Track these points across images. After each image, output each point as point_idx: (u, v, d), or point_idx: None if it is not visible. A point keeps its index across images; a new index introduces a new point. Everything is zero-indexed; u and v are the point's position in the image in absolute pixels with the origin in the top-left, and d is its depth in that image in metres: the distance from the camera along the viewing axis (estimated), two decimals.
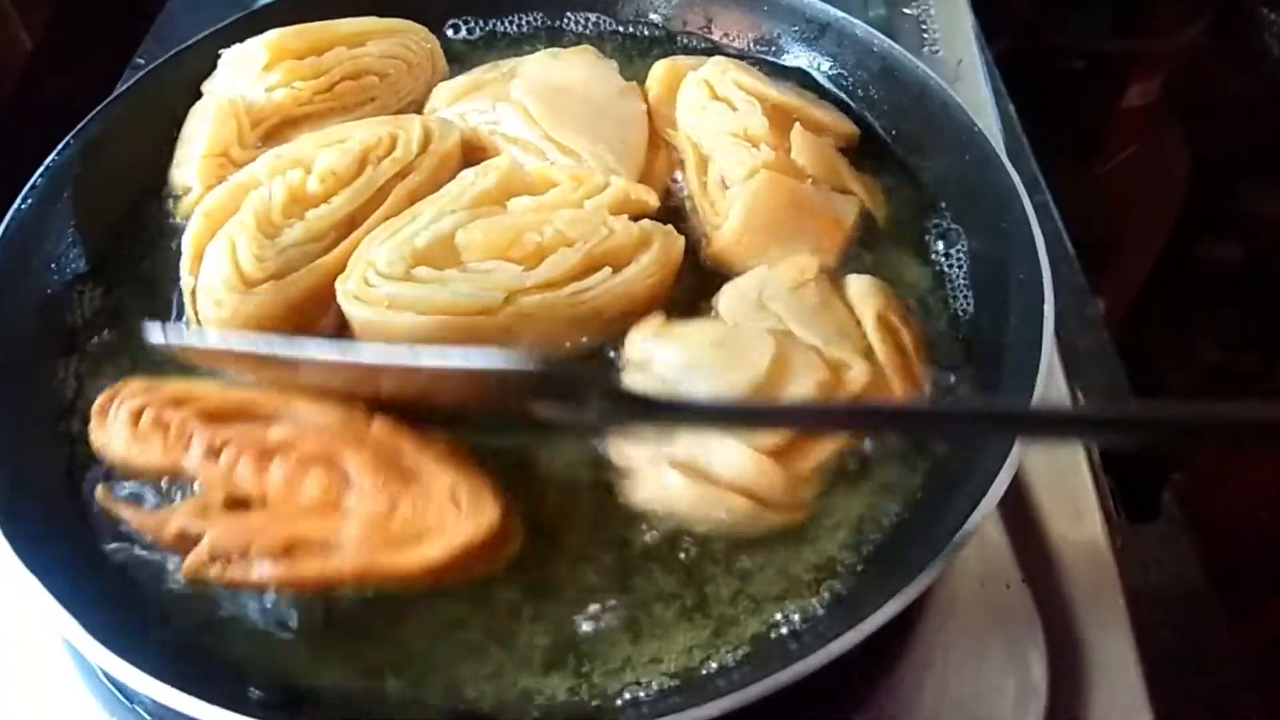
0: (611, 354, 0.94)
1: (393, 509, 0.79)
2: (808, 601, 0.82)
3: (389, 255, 0.93)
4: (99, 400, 0.88)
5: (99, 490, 0.86)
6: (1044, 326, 0.88)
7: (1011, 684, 0.94)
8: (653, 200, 1.01)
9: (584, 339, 0.96)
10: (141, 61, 1.44)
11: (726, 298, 0.95)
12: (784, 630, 0.80)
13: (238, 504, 0.81)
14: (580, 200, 0.98)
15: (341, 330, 0.95)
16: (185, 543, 0.80)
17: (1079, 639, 0.97)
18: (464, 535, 0.78)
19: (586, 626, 0.81)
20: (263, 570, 0.78)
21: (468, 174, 1.00)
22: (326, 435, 0.82)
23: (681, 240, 0.98)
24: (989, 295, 0.99)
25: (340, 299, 0.93)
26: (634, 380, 0.90)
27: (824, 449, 0.86)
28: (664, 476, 0.84)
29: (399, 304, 0.91)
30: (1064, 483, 1.06)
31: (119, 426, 0.85)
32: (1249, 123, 1.95)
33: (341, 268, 0.94)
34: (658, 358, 0.90)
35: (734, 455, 0.83)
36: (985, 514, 0.77)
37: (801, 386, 0.86)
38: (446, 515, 0.78)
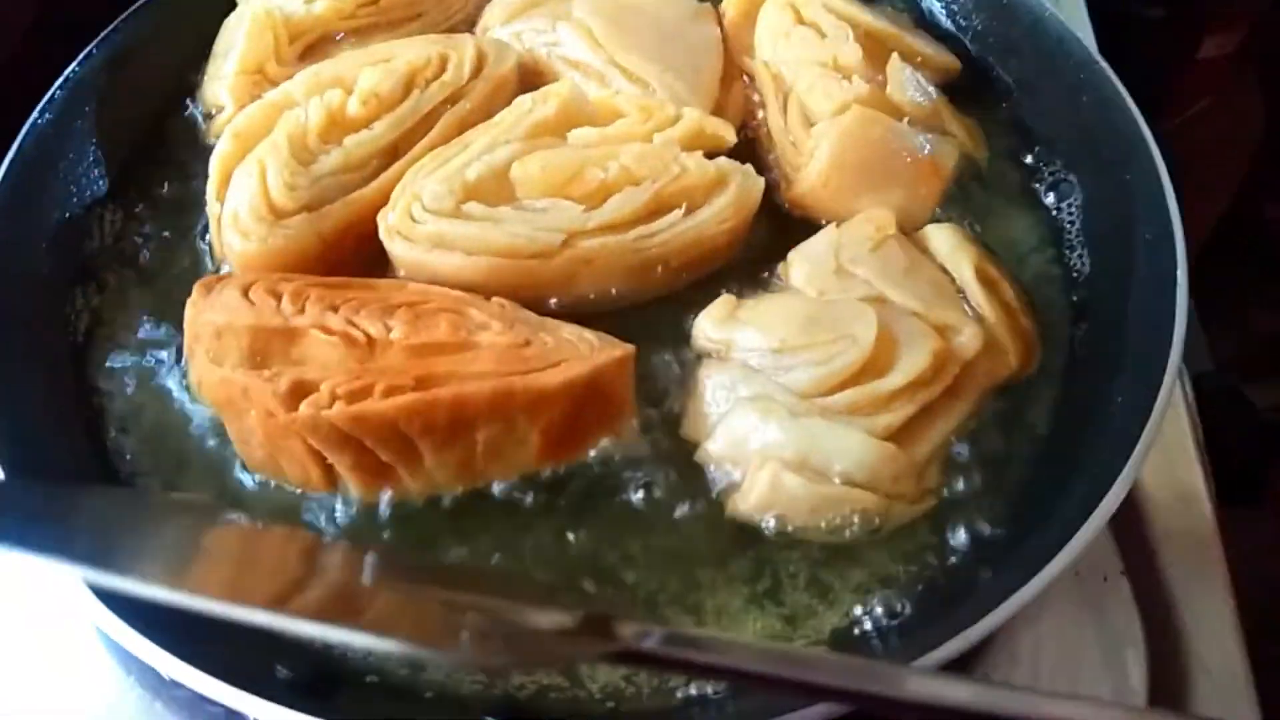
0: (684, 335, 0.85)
1: (527, 343, 0.76)
2: (894, 596, 0.73)
3: (436, 188, 0.84)
4: (204, 279, 0.81)
5: (201, 361, 0.77)
6: (1177, 295, 0.77)
7: (1107, 684, 0.86)
8: (730, 135, 0.91)
9: (649, 290, 0.86)
10: None
11: (799, 267, 0.86)
12: (867, 626, 0.71)
13: (355, 347, 0.75)
14: (649, 134, 0.88)
15: (379, 269, 0.86)
16: (300, 392, 0.73)
17: (1182, 635, 0.89)
18: (601, 358, 0.75)
19: (642, 605, 0.74)
20: (392, 402, 0.71)
21: (524, 100, 0.90)
22: (450, 297, 0.80)
23: (761, 181, 0.88)
24: (1109, 254, 0.88)
25: (382, 234, 0.84)
26: (715, 375, 0.81)
27: (942, 430, 0.78)
28: (778, 480, 0.75)
29: (446, 242, 0.82)
30: (1170, 465, 0.96)
31: (226, 295, 0.78)
32: None
33: (382, 202, 0.85)
34: (740, 343, 0.82)
35: (856, 446, 0.74)
36: (1104, 520, 0.68)
37: (915, 358, 0.77)
38: (580, 345, 0.76)
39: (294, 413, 0.72)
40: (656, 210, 0.84)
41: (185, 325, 0.80)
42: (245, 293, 0.79)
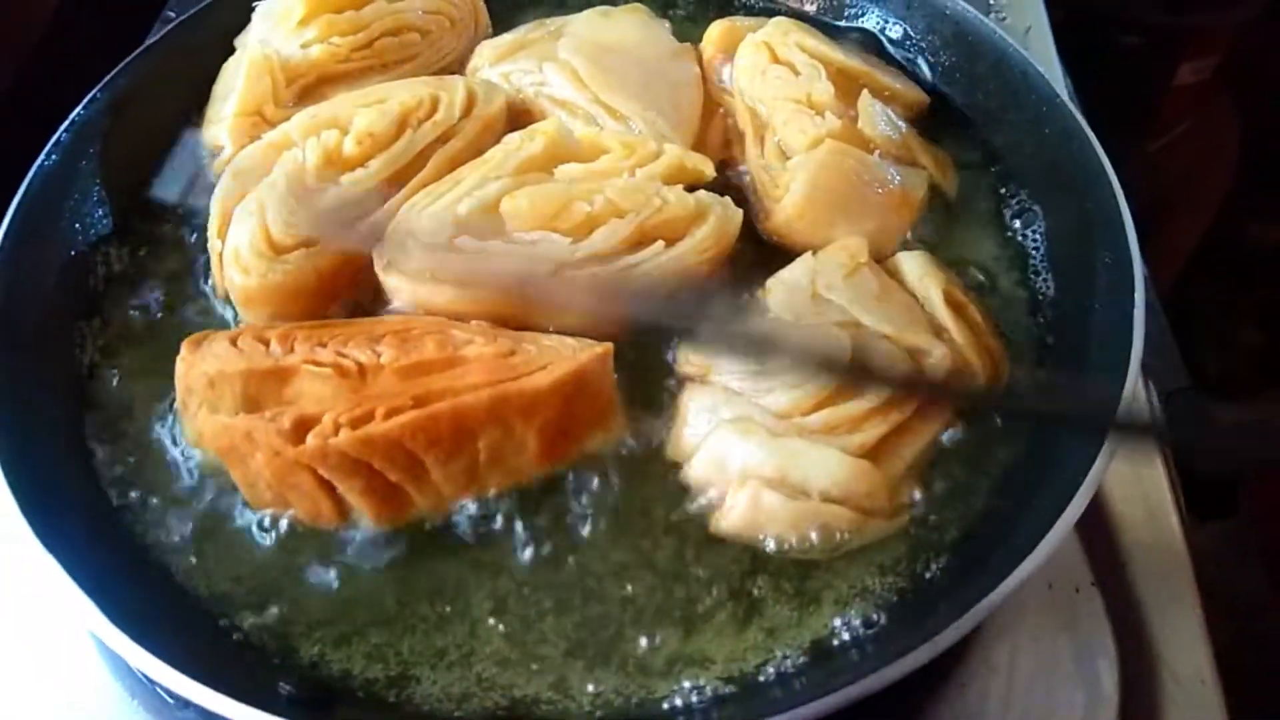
0: (668, 358, 0.89)
1: (512, 352, 0.80)
2: (870, 607, 0.76)
3: (430, 224, 0.87)
4: (192, 338, 0.84)
5: (202, 414, 0.80)
6: (1135, 315, 0.81)
7: (1081, 693, 0.88)
8: (709, 169, 0.95)
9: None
10: (172, 14, 1.38)
11: (776, 294, 0.89)
12: (845, 637, 0.75)
13: (347, 377, 0.79)
14: (632, 168, 0.92)
15: (374, 302, 0.90)
16: (303, 426, 0.76)
17: (1152, 645, 0.91)
18: (584, 356, 0.79)
19: (630, 621, 0.77)
20: (395, 421, 0.74)
21: (513, 138, 0.94)
22: (432, 322, 0.83)
23: (740, 214, 0.92)
24: (1071, 277, 0.92)
25: (378, 269, 0.88)
26: (697, 397, 0.85)
27: (913, 447, 0.81)
28: (758, 498, 0.78)
29: (440, 275, 0.86)
30: (1138, 480, 0.99)
31: (216, 346, 0.82)
32: None
33: None
34: (720, 367, 0.85)
35: (832, 464, 0.78)
36: (1067, 528, 0.71)
37: None
38: (563, 349, 0.81)
39: (301, 446, 0.74)
40: (640, 242, 0.88)
41: (177, 381, 0.83)
42: (234, 342, 0.82)
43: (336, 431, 0.74)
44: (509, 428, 0.77)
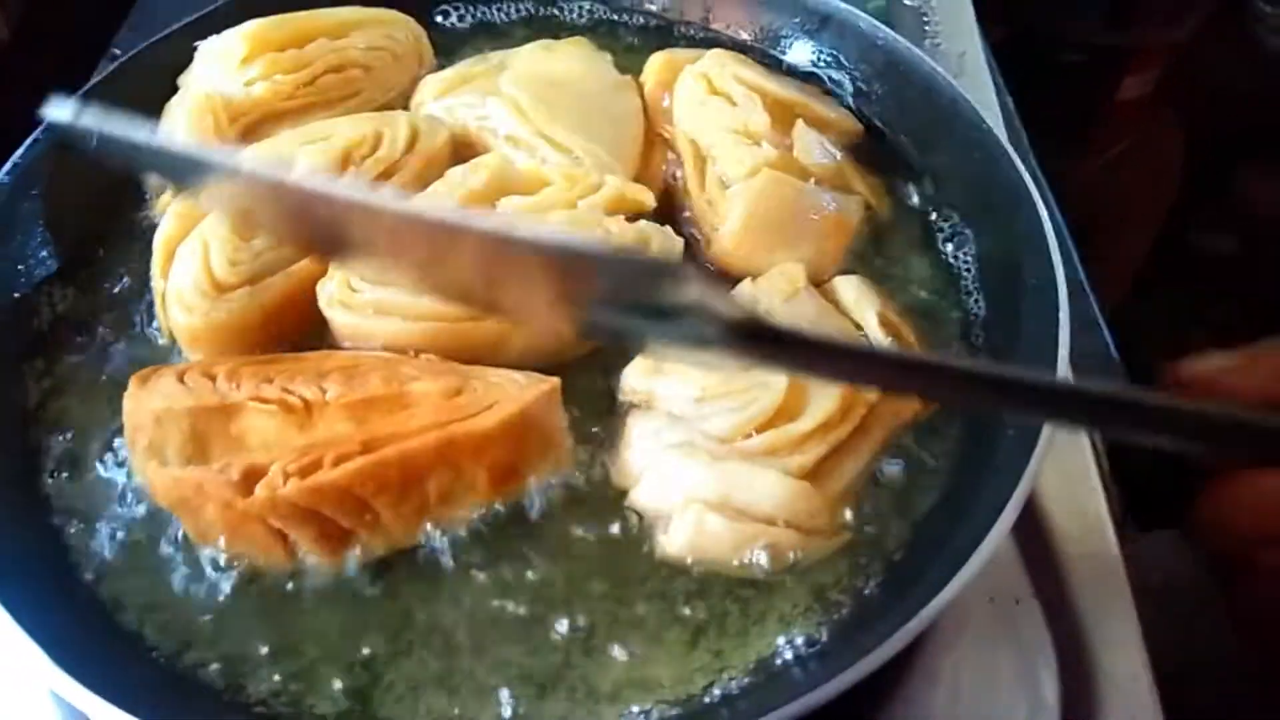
0: (611, 384, 0.91)
1: (457, 392, 0.80)
2: (813, 625, 0.78)
3: None
4: (140, 373, 0.83)
5: (150, 466, 0.79)
6: (1059, 335, 0.84)
7: (1023, 701, 0.91)
8: (649, 200, 0.97)
9: (579, 345, 0.91)
10: (118, 52, 1.39)
11: None
12: (788, 655, 0.76)
13: (293, 413, 0.79)
14: (574, 200, 0.94)
15: (320, 337, 0.90)
16: (253, 476, 0.76)
17: (1090, 653, 0.94)
18: (530, 395, 0.79)
19: (578, 647, 0.78)
20: (343, 469, 0.75)
21: (455, 172, 0.95)
22: (379, 359, 0.84)
23: (680, 241, 0.94)
24: (1001, 297, 0.95)
25: (322, 305, 0.89)
26: (641, 423, 0.86)
27: (852, 467, 0.83)
28: (702, 521, 0.80)
29: (385, 309, 0.87)
30: (1074, 494, 1.02)
31: (163, 383, 0.81)
32: (1243, 114, 1.93)
33: (321, 272, 0.90)
34: (661, 393, 0.87)
35: (773, 485, 0.80)
36: (999, 539, 0.73)
37: (824, 402, 0.82)
38: (510, 387, 0.81)
39: (250, 498, 0.75)
40: None
41: (125, 418, 0.82)
42: (181, 379, 0.82)
43: (285, 482, 0.75)
44: (458, 469, 0.78)
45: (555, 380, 0.83)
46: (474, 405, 0.79)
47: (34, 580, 0.79)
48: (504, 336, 0.88)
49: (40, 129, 1.02)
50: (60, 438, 0.90)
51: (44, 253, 1.00)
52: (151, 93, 1.09)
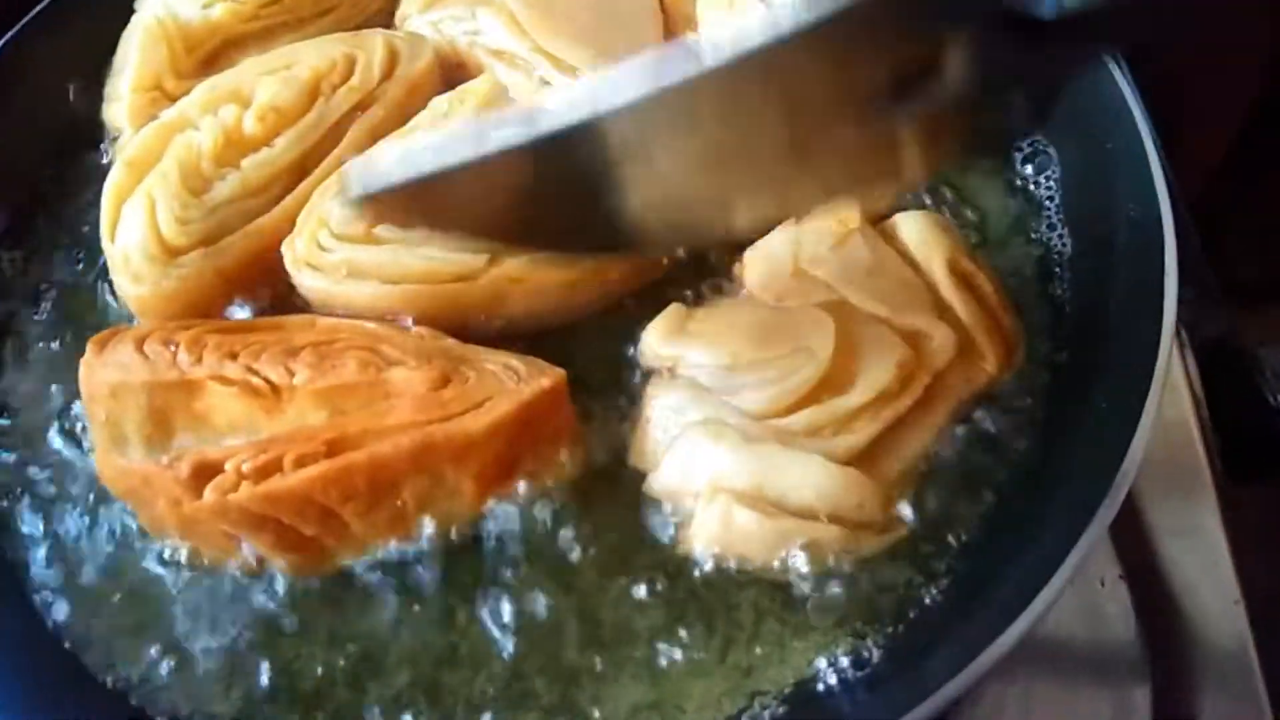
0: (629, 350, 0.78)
1: (444, 383, 0.69)
2: (862, 642, 0.66)
3: (344, 210, 0.76)
4: (98, 336, 0.74)
5: (99, 455, 0.72)
6: (1165, 281, 0.69)
7: (1107, 704, 0.79)
8: None
9: (586, 306, 0.79)
10: None
11: (754, 267, 0.78)
12: (832, 680, 0.65)
13: (259, 396, 0.70)
14: None
15: (289, 304, 0.79)
16: (204, 474, 0.67)
17: (1187, 640, 0.82)
18: (529, 391, 0.68)
19: (588, 669, 0.67)
20: (303, 474, 0.65)
21: (440, 103, 0.83)
22: (361, 333, 0.73)
23: None
24: (1091, 231, 0.80)
25: (288, 266, 0.77)
26: (663, 395, 0.74)
27: (910, 449, 0.71)
28: (729, 515, 0.68)
29: (359, 270, 0.75)
30: (1172, 453, 0.88)
31: (120, 351, 0.72)
32: None
33: (288, 229, 0.78)
34: (688, 360, 0.75)
35: (814, 473, 0.67)
36: (1098, 535, 0.60)
37: (879, 371, 0.70)
38: (506, 382, 0.69)
39: (198, 502, 0.66)
40: None
41: (81, 385, 0.73)
42: (140, 346, 0.72)
43: (238, 485, 0.65)
44: (438, 475, 0.67)
45: (559, 373, 0.70)
46: (461, 401, 0.67)
47: None
48: (499, 296, 0.76)
49: None
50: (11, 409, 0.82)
51: None
52: (105, 20, 0.96)
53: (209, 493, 0.65)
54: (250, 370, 0.70)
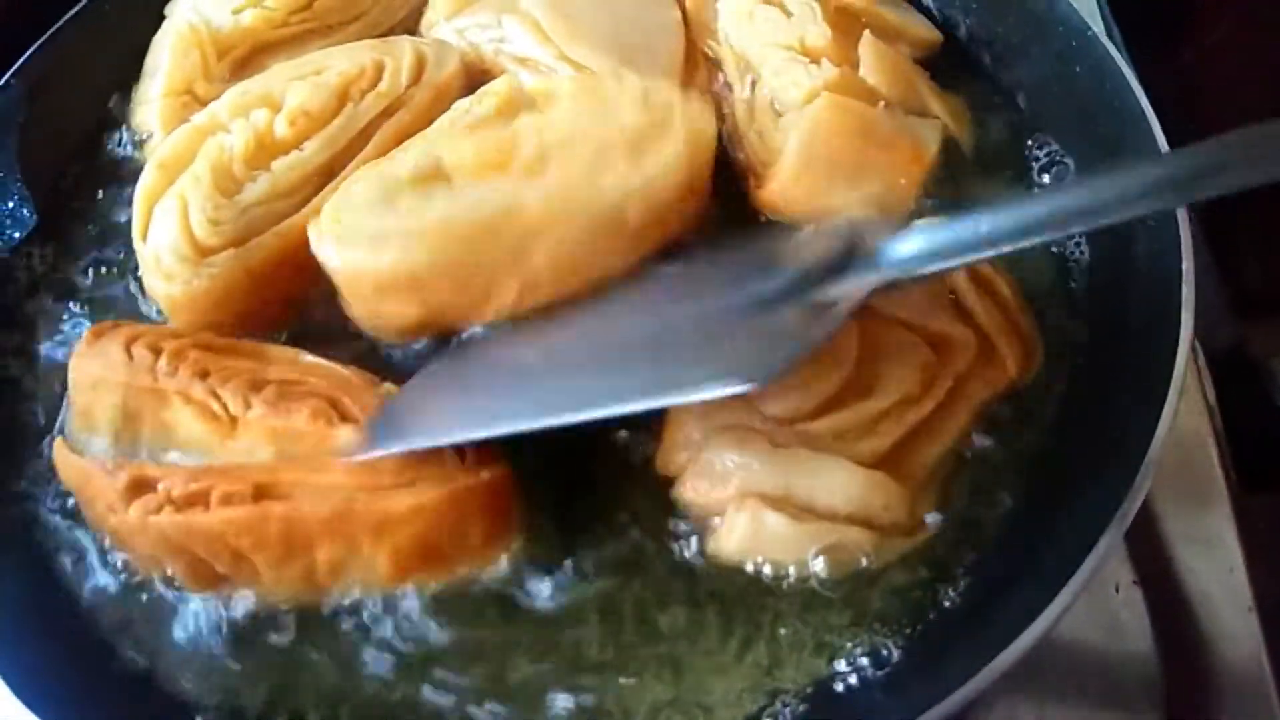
0: None
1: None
2: (883, 641, 0.67)
3: (366, 187, 0.76)
4: (96, 327, 0.77)
5: (57, 443, 0.75)
6: (1182, 290, 0.70)
7: (1119, 708, 0.80)
8: None
9: (614, 258, 0.77)
10: None
11: None
12: (853, 680, 0.65)
13: (216, 420, 0.72)
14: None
15: (320, 305, 0.80)
16: (139, 488, 0.70)
17: (1201, 647, 0.82)
18: (462, 482, 0.69)
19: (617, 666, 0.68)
20: (221, 514, 0.67)
21: (461, 104, 0.83)
22: (332, 380, 0.74)
23: (712, 127, 0.79)
24: (1108, 239, 0.80)
25: (314, 244, 0.76)
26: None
27: (934, 452, 0.71)
28: (760, 520, 0.69)
29: (382, 235, 0.74)
30: (1186, 462, 0.89)
31: (109, 347, 0.75)
32: None
33: None
34: None
35: (839, 477, 0.69)
36: (1117, 537, 0.61)
37: (902, 374, 0.71)
38: (447, 464, 0.70)
39: (124, 516, 0.68)
40: None
41: (69, 372, 0.76)
42: (128, 346, 0.74)
43: (161, 508, 0.67)
44: (354, 545, 0.68)
45: (503, 470, 0.71)
46: (392, 475, 0.68)
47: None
48: (522, 250, 0.74)
49: (11, 71, 0.92)
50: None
51: (23, 211, 0.91)
52: (136, 25, 0.98)
53: (134, 510, 0.68)
54: (213, 394, 0.72)
